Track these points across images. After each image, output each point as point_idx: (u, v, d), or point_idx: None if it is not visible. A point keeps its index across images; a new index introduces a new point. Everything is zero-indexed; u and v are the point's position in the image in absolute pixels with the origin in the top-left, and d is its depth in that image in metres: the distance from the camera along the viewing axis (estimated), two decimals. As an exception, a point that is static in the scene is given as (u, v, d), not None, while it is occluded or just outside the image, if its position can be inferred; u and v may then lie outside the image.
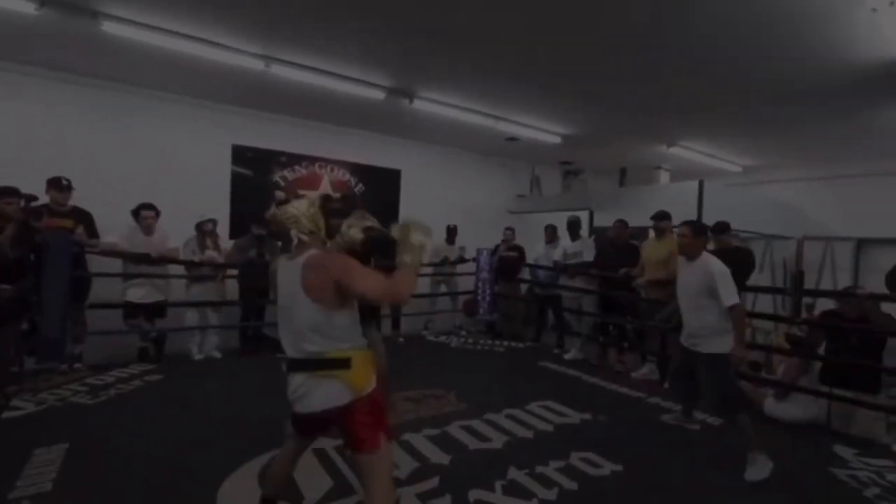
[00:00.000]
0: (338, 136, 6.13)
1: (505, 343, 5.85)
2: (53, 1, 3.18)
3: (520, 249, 6.23)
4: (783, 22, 3.12)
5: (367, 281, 1.62)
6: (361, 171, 6.37)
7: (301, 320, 1.66)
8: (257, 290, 4.85)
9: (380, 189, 6.53)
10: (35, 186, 3.81)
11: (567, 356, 5.24)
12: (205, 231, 4.63)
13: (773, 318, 5.61)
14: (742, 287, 4.06)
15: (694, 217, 5.19)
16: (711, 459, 2.91)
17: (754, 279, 4.60)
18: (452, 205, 7.05)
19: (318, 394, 1.66)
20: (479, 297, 6.21)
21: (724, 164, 7.14)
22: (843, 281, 6.37)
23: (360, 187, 6.39)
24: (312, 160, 6.01)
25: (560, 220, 6.34)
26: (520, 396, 3.79)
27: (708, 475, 2.71)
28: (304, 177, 5.95)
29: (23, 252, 3.45)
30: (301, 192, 5.92)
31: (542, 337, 6.04)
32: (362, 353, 1.68)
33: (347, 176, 6.28)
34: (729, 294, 2.75)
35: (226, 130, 5.41)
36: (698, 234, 3.01)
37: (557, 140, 6.11)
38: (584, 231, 6.11)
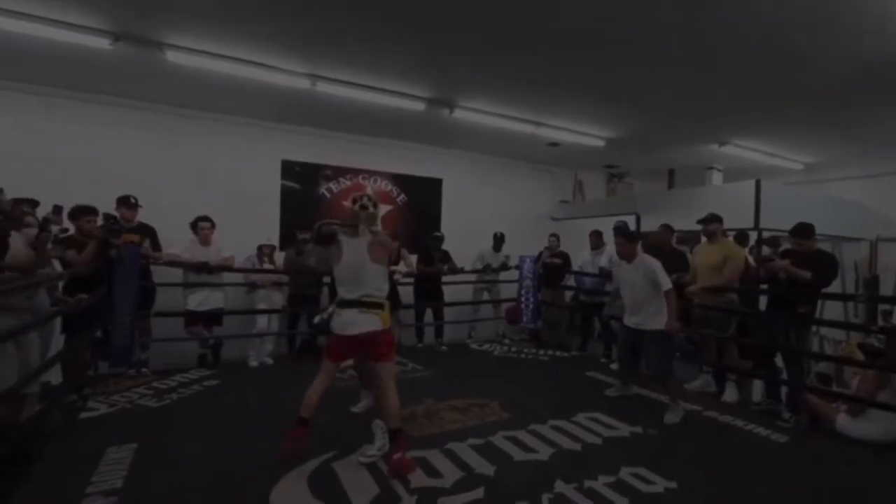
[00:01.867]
0: (380, 147, 6.26)
1: (549, 352, 5.75)
2: (125, 36, 3.46)
3: (564, 256, 6.12)
4: (846, 10, 2.92)
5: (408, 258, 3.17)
6: (403, 181, 6.46)
7: (364, 275, 2.64)
8: (308, 296, 5.04)
9: (422, 198, 6.60)
10: (105, 204, 4.15)
11: (614, 366, 5.08)
12: (265, 252, 4.94)
13: (846, 325, 5.19)
14: (821, 294, 3.79)
15: (751, 220, 4.93)
16: (774, 478, 2.73)
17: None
18: (494, 212, 7.02)
19: (363, 322, 2.61)
20: (523, 305, 6.14)
21: (782, 161, 6.72)
22: (927, 286, 5.80)
23: (402, 197, 6.47)
24: (356, 172, 6.16)
25: (605, 226, 6.17)
26: (566, 407, 3.70)
27: (770, 496, 2.54)
28: (347, 188, 6.10)
29: (98, 265, 3.75)
30: (345, 202, 6.05)
31: (588, 346, 5.89)
32: (387, 303, 2.68)
33: (389, 186, 6.39)
34: (665, 281, 3.58)
35: (275, 146, 5.65)
36: (631, 240, 3.78)
37: (601, 144, 5.98)
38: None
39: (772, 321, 3.86)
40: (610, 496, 2.46)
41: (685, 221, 5.05)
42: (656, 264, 3.67)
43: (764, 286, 4.03)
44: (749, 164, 6.79)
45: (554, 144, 6.21)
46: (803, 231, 3.77)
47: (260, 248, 4.96)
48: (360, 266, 2.63)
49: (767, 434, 3.38)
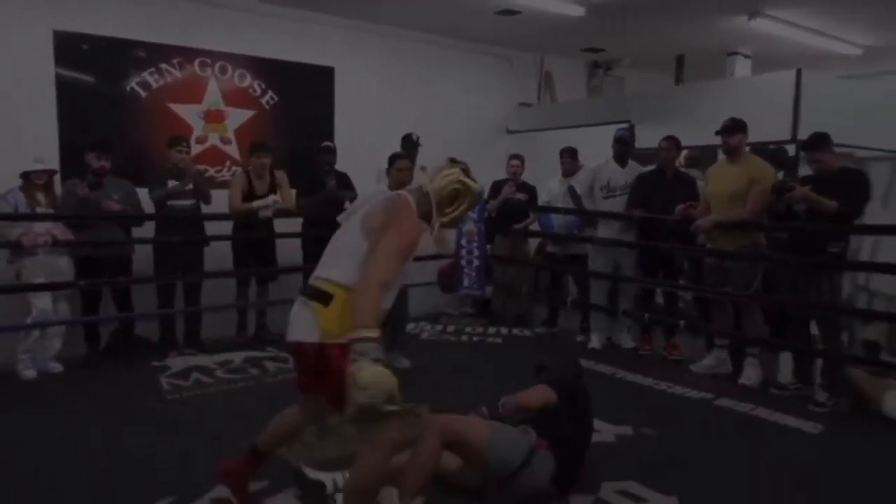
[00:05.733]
0: (231, 14, 5.90)
1: (504, 330, 5.95)
2: None
3: (530, 189, 6.22)
4: None
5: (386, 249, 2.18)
6: (271, 71, 6.19)
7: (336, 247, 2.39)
8: (107, 260, 4.87)
9: (302, 99, 6.39)
10: None
11: (592, 344, 5.40)
12: (35, 184, 4.63)
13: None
14: (852, 224, 4.16)
15: (788, 128, 5.19)
16: (800, 483, 3.05)
17: (875, 217, 4.67)
18: (418, 121, 6.79)
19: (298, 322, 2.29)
20: (464, 263, 6.23)
21: (834, 44, 7.11)
22: None
23: (269, 96, 6.24)
24: (190, 55, 5.79)
25: (585, 141, 6.28)
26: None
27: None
28: (177, 83, 5.74)
29: None
30: (172, 105, 5.74)
31: (560, 318, 6.16)
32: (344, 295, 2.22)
33: (248, 79, 6.11)
34: None
35: (41, 8, 5.14)
36: None
37: (579, 12, 5.98)
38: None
39: (796, 269, 4.22)
40: (585, 524, 2.62)
41: (699, 132, 5.25)
42: None
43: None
44: (788, 49, 7.13)
45: (508, 13, 6.18)
46: (816, 142, 4.09)
47: (26, 176, 4.62)
48: (340, 233, 2.40)
49: (798, 425, 3.74)
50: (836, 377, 4.11)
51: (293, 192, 5.62)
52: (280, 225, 5.60)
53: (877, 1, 5.88)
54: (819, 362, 4.30)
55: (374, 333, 2.00)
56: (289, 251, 5.70)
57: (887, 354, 4.72)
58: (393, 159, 4.79)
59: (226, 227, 5.43)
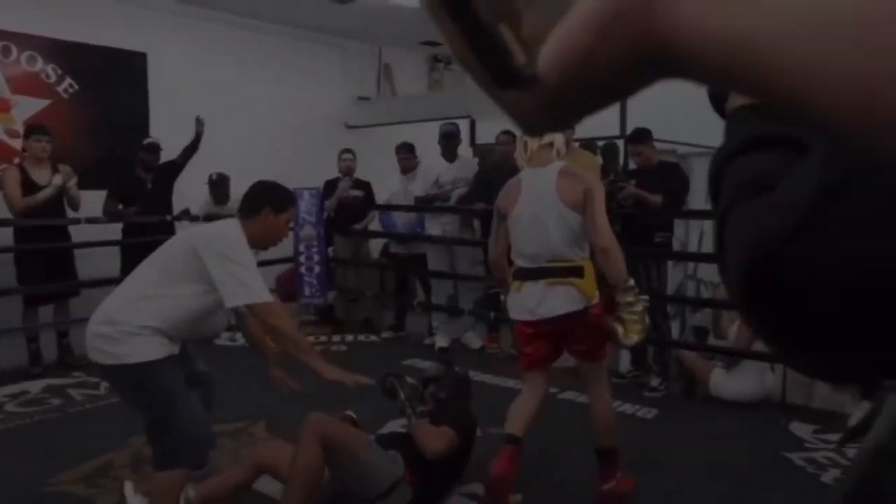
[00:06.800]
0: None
1: (350, 337, 5.89)
2: None
3: (365, 185, 6.15)
4: None
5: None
6: (68, 55, 5.74)
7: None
8: None
9: (109, 87, 6.00)
10: None
11: (439, 343, 5.46)
12: None
13: (712, 257, 6.35)
14: (677, 213, 4.52)
15: (617, 123, 5.53)
16: (634, 465, 3.25)
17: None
18: (246, 117, 6.72)
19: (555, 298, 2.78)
20: (304, 269, 6.08)
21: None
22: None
23: (68, 84, 5.75)
24: (-39, 33, 5.25)
25: (423, 136, 6.34)
26: (375, 418, 3.80)
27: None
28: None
29: None
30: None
31: (407, 322, 6.17)
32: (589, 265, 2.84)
33: (40, 63, 5.60)
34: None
35: None
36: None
37: (415, 3, 6.01)
38: (467, 148, 6.21)
39: (627, 259, 4.51)
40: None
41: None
42: None
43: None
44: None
45: (343, 0, 6.12)
46: (637, 136, 4.54)
47: None
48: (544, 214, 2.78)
49: (633, 411, 4.01)
50: (665, 362, 4.46)
51: (103, 192, 5.25)
52: (83, 233, 5.15)
53: None
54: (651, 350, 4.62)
55: (633, 281, 2.73)
56: (92, 262, 5.26)
57: (713, 337, 5.17)
58: (285, 206, 3.09)
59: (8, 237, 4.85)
